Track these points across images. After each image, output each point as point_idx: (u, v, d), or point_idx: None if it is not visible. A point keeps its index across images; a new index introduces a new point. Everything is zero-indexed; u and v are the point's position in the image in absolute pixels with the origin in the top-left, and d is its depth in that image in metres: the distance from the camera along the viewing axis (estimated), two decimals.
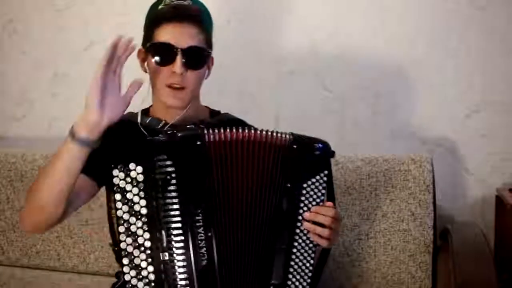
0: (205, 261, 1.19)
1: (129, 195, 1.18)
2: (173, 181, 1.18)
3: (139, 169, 1.18)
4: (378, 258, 1.73)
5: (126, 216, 1.18)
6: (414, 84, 1.97)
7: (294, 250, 1.25)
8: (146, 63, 1.38)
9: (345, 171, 1.76)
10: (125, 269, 1.17)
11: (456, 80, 1.94)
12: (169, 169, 1.19)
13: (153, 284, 1.17)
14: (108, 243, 1.38)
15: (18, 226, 1.98)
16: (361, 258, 1.74)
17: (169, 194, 1.18)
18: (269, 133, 1.26)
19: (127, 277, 1.17)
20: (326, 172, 1.29)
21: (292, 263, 1.25)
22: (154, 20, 1.37)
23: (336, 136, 1.98)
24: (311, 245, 1.26)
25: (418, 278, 1.71)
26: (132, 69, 1.30)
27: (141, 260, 1.17)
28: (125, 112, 1.23)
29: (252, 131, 1.26)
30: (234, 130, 1.24)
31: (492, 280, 1.42)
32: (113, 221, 1.36)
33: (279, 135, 1.27)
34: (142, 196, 1.18)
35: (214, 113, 1.50)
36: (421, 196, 1.72)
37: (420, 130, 1.98)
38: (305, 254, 1.26)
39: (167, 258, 1.18)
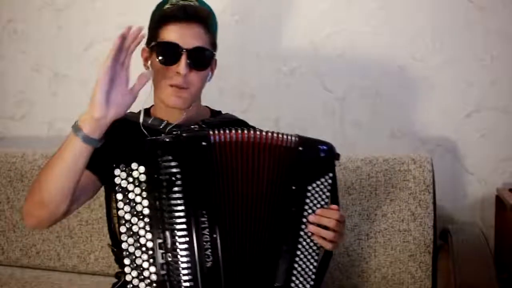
0: (210, 263, 1.18)
1: (131, 195, 1.17)
2: (178, 182, 1.17)
3: (142, 169, 1.17)
4: (378, 258, 1.73)
5: (127, 216, 1.17)
6: (414, 84, 1.97)
7: (298, 253, 1.25)
8: (149, 62, 1.36)
9: (345, 171, 1.76)
10: (127, 269, 1.16)
11: (456, 80, 1.94)
12: (174, 170, 1.17)
13: (154, 284, 1.16)
14: (107, 244, 1.37)
15: (18, 226, 1.98)
16: (361, 258, 1.74)
17: (174, 195, 1.17)
18: (275, 135, 1.25)
19: (128, 278, 1.16)
20: (331, 174, 1.28)
21: (296, 265, 1.25)
22: (160, 19, 1.35)
23: (336, 136, 1.99)
24: (315, 247, 1.26)
25: (418, 278, 1.71)
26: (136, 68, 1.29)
27: (143, 261, 1.16)
28: (127, 111, 1.21)
29: (258, 133, 1.25)
30: (239, 131, 1.23)
31: (492, 280, 1.42)
32: (112, 221, 1.36)
33: (285, 136, 1.26)
34: (145, 196, 1.17)
35: (215, 113, 1.49)
36: (421, 196, 1.72)
37: (420, 130, 1.98)
38: (309, 257, 1.26)
39: (170, 259, 1.16)
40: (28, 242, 1.97)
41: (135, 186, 1.17)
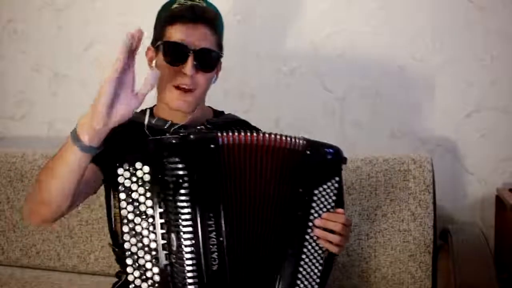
0: (216, 266, 1.17)
1: (134, 195, 1.16)
2: (185, 184, 1.15)
3: (146, 168, 1.16)
4: (378, 258, 1.73)
5: (131, 216, 1.16)
6: (414, 84, 1.97)
7: (304, 256, 1.24)
8: (154, 62, 1.34)
9: (345, 171, 1.75)
10: (129, 269, 1.16)
11: (456, 80, 1.94)
12: (181, 172, 1.16)
13: (157, 285, 1.15)
14: (108, 244, 1.36)
15: (18, 226, 1.98)
16: (361, 258, 1.74)
17: (180, 197, 1.15)
18: (283, 138, 1.24)
19: (130, 278, 1.16)
20: (337, 178, 1.27)
21: (301, 269, 1.24)
22: (167, 18, 1.33)
23: (336, 136, 1.99)
24: (320, 251, 1.26)
25: (418, 278, 1.71)
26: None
27: (146, 261, 1.16)
28: None
29: (267, 135, 1.23)
30: (248, 134, 1.22)
31: (492, 280, 1.43)
32: (113, 221, 1.36)
33: (292, 139, 1.25)
34: (149, 196, 1.16)
35: (217, 113, 1.48)
36: (421, 196, 1.72)
37: (420, 130, 1.98)
38: (314, 261, 1.25)
39: (175, 260, 1.15)
40: (28, 242, 1.97)
41: (139, 186, 1.16)
